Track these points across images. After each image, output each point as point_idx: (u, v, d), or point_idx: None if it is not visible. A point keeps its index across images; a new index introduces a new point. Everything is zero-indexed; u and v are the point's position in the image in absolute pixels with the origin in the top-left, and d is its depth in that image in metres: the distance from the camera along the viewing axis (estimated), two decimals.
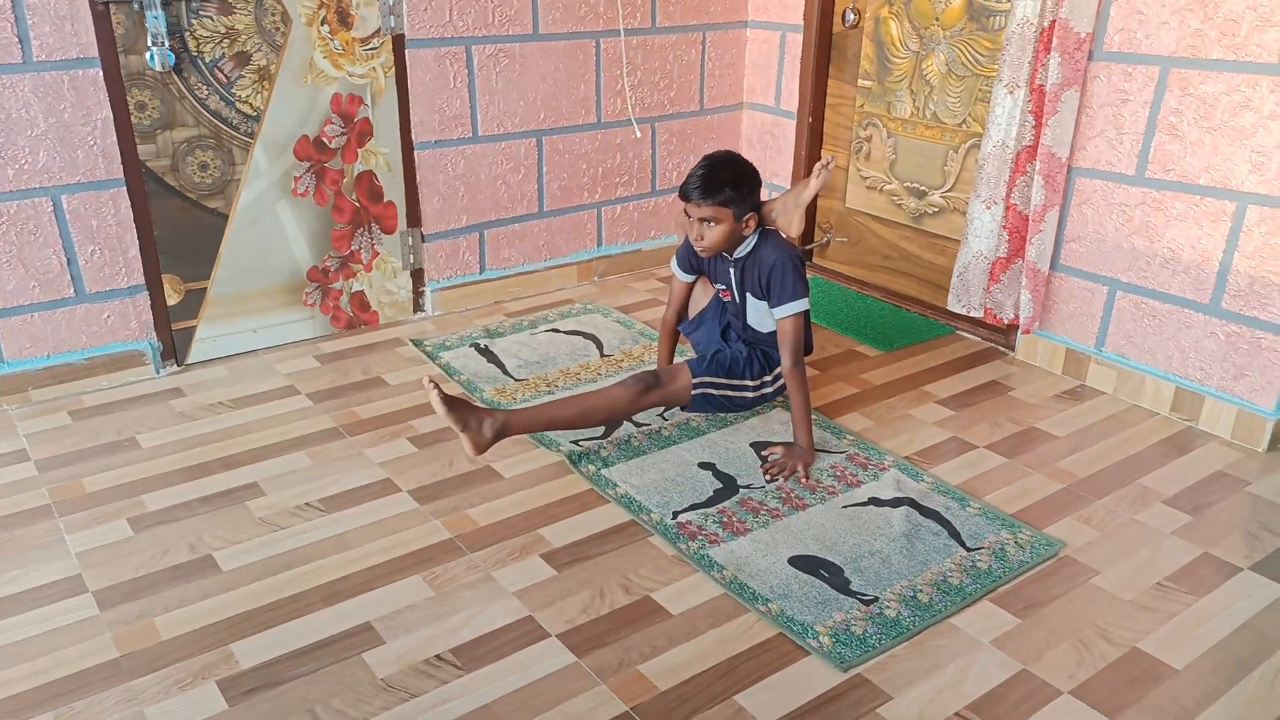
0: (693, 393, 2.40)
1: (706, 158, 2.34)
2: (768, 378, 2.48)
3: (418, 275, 3.22)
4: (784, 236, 2.43)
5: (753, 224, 2.35)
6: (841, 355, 2.98)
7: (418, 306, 3.26)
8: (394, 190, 3.07)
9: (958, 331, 3.17)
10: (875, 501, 2.19)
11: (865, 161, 3.46)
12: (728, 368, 2.43)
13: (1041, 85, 2.63)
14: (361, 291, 3.11)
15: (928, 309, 3.31)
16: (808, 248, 3.69)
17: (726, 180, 2.27)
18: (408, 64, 2.95)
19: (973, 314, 2.95)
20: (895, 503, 2.18)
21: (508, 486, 2.25)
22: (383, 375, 2.81)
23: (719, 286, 2.53)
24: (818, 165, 2.46)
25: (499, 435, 2.18)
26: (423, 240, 3.17)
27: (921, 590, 1.91)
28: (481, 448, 2.16)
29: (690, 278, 2.58)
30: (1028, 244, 2.75)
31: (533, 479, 2.28)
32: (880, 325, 3.20)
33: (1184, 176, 2.48)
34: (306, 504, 2.17)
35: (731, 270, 2.44)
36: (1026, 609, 1.88)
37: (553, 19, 3.19)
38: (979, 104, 3.03)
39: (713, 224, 2.30)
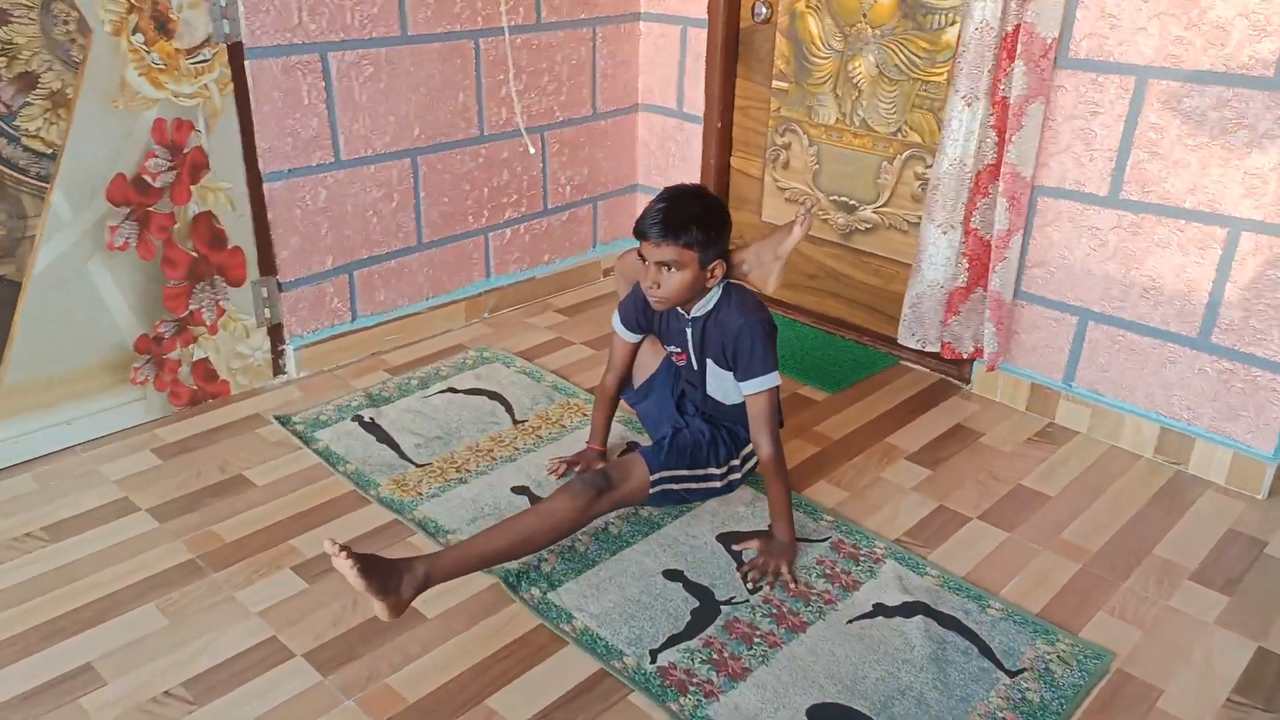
0: (651, 491, 1.98)
1: (668, 190, 1.93)
2: (735, 461, 2.10)
3: (276, 332, 2.64)
4: (754, 294, 2.03)
5: (718, 274, 1.95)
6: (788, 399, 2.63)
7: (278, 369, 2.68)
8: (240, 233, 2.47)
9: (903, 362, 2.89)
10: (882, 610, 1.85)
11: (783, 171, 3.11)
12: (690, 455, 2.02)
13: (1005, 97, 2.34)
14: (206, 359, 2.51)
15: (864, 335, 3.01)
16: None
17: (692, 217, 1.87)
18: (249, 78, 2.35)
19: (929, 349, 2.66)
20: (906, 610, 1.85)
21: (437, 633, 1.77)
22: (245, 472, 2.25)
23: (671, 349, 2.12)
24: (800, 211, 2.07)
25: (420, 590, 1.69)
26: (279, 290, 2.60)
27: None
28: (400, 610, 1.67)
29: (636, 337, 2.16)
30: (991, 272, 2.48)
31: (466, 617, 1.81)
32: (820, 359, 2.88)
33: (1166, 199, 2.25)
34: (166, 692, 1.63)
35: (689, 330, 2.03)
36: None
37: (423, 17, 2.65)
38: (916, 111, 2.73)
39: (673, 270, 1.89)
